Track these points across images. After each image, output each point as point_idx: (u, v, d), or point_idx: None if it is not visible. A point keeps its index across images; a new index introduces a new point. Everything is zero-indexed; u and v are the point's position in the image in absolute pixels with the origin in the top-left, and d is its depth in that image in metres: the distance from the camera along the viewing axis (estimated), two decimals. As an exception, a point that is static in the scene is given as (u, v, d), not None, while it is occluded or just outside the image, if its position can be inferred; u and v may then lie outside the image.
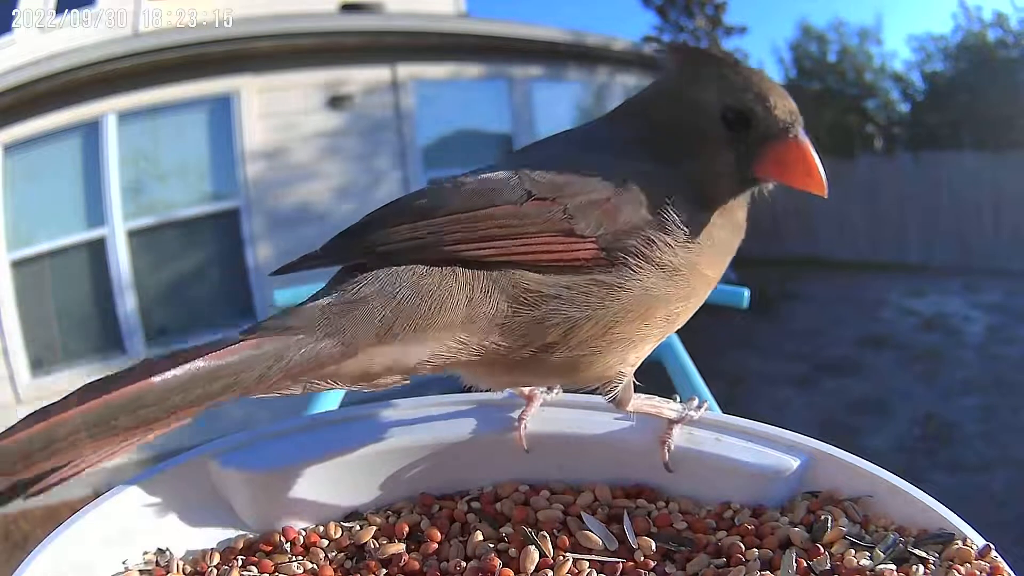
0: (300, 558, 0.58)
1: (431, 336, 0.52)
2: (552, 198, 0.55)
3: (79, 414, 0.45)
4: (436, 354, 0.53)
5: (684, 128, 0.61)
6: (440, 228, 0.53)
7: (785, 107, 0.59)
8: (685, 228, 0.57)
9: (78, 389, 0.46)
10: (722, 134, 0.60)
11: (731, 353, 5.86)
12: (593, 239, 0.55)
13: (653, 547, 0.57)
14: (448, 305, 0.52)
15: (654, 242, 0.56)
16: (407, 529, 0.60)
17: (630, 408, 0.62)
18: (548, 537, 0.57)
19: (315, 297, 0.53)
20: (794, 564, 0.52)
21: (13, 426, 0.45)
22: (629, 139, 0.61)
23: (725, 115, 0.60)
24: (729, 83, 0.60)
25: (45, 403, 0.46)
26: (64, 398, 0.46)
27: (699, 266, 0.58)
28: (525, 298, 0.54)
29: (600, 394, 0.61)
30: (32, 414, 0.46)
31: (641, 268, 0.56)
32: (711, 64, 0.62)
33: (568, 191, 0.55)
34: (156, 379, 0.47)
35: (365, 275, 0.53)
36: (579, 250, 0.55)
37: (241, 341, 0.49)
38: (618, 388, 0.60)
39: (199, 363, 0.48)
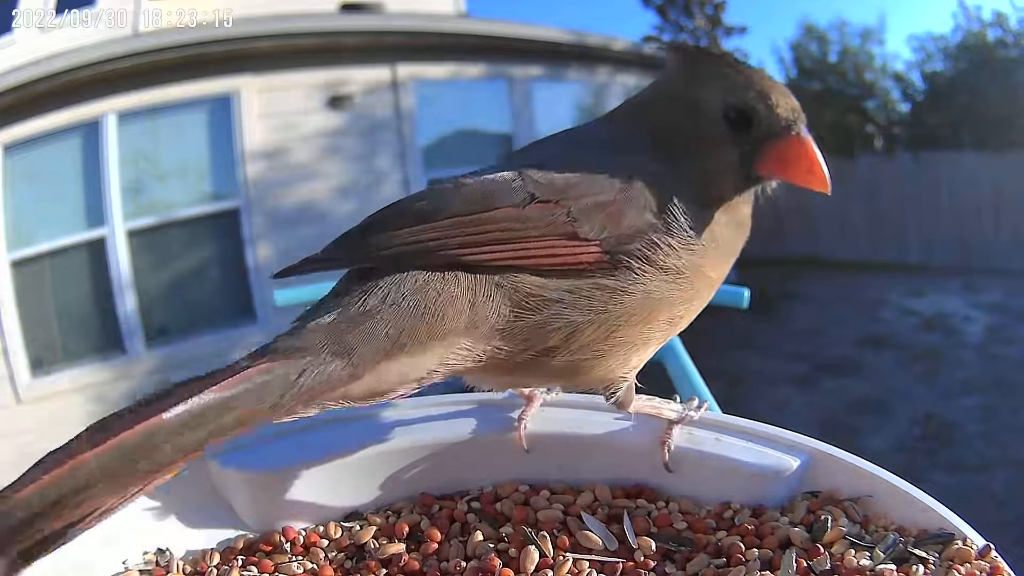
0: (300, 558, 0.58)
1: (437, 345, 0.52)
2: (555, 201, 0.54)
3: (94, 457, 0.43)
4: (443, 363, 0.53)
5: (686, 128, 0.60)
6: (441, 232, 0.53)
7: (787, 105, 0.59)
8: (689, 230, 0.57)
9: (85, 430, 0.44)
10: (724, 133, 0.60)
11: (731, 353, 5.86)
12: (597, 242, 0.54)
13: (653, 547, 0.57)
14: (451, 313, 0.52)
15: (658, 245, 0.56)
16: (407, 529, 0.60)
17: (631, 410, 0.62)
18: (548, 537, 0.57)
19: (320, 310, 0.52)
20: (794, 564, 0.52)
21: (27, 473, 0.43)
22: (630, 139, 0.61)
23: (727, 114, 0.59)
24: (731, 82, 0.60)
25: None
26: (74, 439, 0.44)
27: (703, 268, 0.58)
28: (527, 302, 0.53)
29: (602, 396, 0.61)
30: (43, 460, 0.44)
31: (644, 271, 0.55)
32: (711, 63, 0.62)
33: (572, 193, 0.55)
34: (167, 415, 0.45)
35: (368, 285, 0.52)
36: (582, 254, 0.54)
37: (249, 368, 0.48)
38: (620, 391, 0.60)
39: (209, 395, 0.46)
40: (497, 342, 0.54)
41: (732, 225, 0.61)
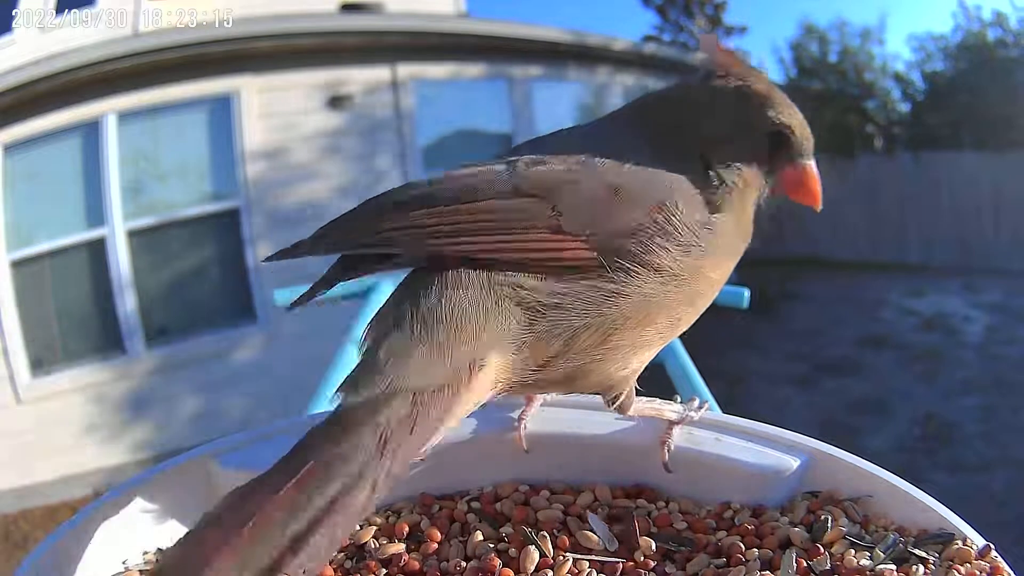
0: (300, 558, 0.58)
1: (477, 375, 0.51)
2: (541, 194, 0.54)
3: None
4: (486, 388, 0.52)
5: (723, 136, 0.61)
6: (437, 218, 0.52)
7: (808, 135, 0.64)
8: (688, 230, 0.57)
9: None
10: (763, 150, 0.62)
11: (731, 353, 5.86)
12: (583, 238, 0.54)
13: (653, 547, 0.57)
14: (476, 326, 0.51)
15: (652, 245, 0.55)
16: (407, 529, 0.60)
17: (632, 412, 0.62)
18: (548, 537, 0.57)
19: (370, 362, 0.50)
20: (794, 564, 0.52)
21: None
22: (634, 138, 0.61)
23: (770, 133, 0.62)
24: (777, 103, 0.62)
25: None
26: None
27: (703, 269, 0.58)
28: (532, 307, 0.53)
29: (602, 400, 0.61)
30: None
31: (639, 273, 0.55)
32: (752, 78, 0.63)
33: (560, 188, 0.54)
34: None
35: (395, 314, 0.51)
36: (567, 249, 0.53)
37: (315, 459, 0.45)
38: (620, 395, 0.60)
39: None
40: (513, 355, 0.53)
41: (736, 226, 0.62)
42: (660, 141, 0.60)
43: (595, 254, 0.54)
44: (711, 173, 0.60)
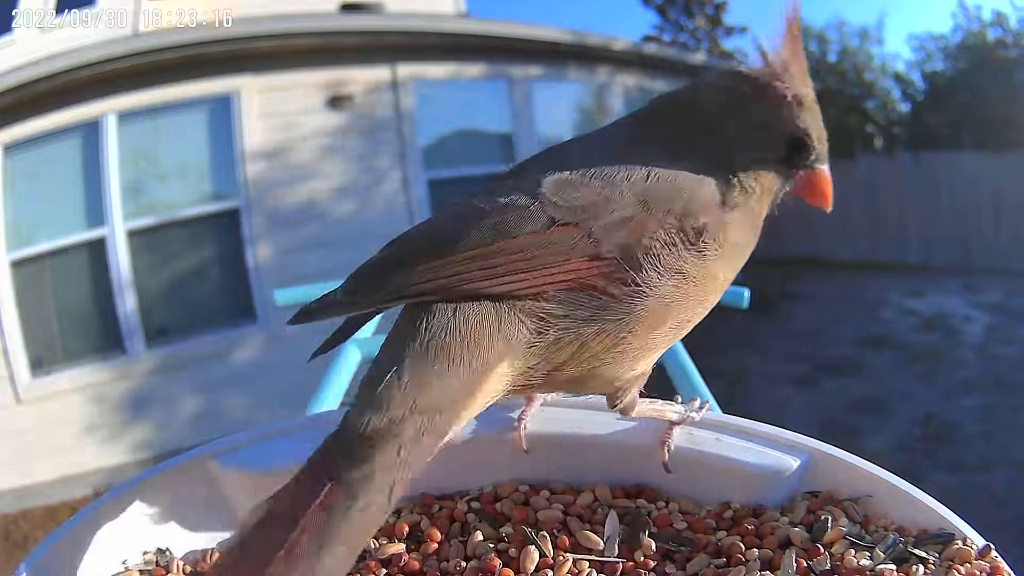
0: (300, 558, 0.58)
1: (486, 377, 0.52)
2: (576, 223, 0.53)
3: None
4: (491, 394, 0.53)
5: (746, 142, 0.61)
6: (461, 267, 0.52)
7: (824, 136, 0.64)
8: (709, 235, 0.57)
9: None
10: (783, 155, 0.62)
11: (731, 353, 5.86)
12: (619, 260, 0.54)
13: (653, 547, 0.57)
14: (486, 342, 0.51)
15: (675, 252, 0.55)
16: (407, 529, 0.60)
17: (635, 414, 0.62)
18: (548, 537, 0.57)
19: (376, 377, 0.50)
20: (794, 564, 0.52)
21: None
22: (653, 143, 0.60)
23: (789, 139, 0.62)
24: (798, 105, 0.62)
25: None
26: None
27: (716, 271, 0.58)
28: (542, 319, 0.53)
29: (606, 402, 0.61)
30: None
31: (657, 280, 0.55)
32: (792, 73, 0.62)
33: (592, 212, 0.54)
34: None
35: (405, 331, 0.52)
36: (604, 274, 0.53)
37: (326, 483, 0.46)
38: (624, 396, 0.60)
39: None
40: (520, 362, 0.53)
41: (749, 229, 0.62)
42: (675, 145, 0.60)
43: (626, 272, 0.54)
44: (730, 177, 0.60)
